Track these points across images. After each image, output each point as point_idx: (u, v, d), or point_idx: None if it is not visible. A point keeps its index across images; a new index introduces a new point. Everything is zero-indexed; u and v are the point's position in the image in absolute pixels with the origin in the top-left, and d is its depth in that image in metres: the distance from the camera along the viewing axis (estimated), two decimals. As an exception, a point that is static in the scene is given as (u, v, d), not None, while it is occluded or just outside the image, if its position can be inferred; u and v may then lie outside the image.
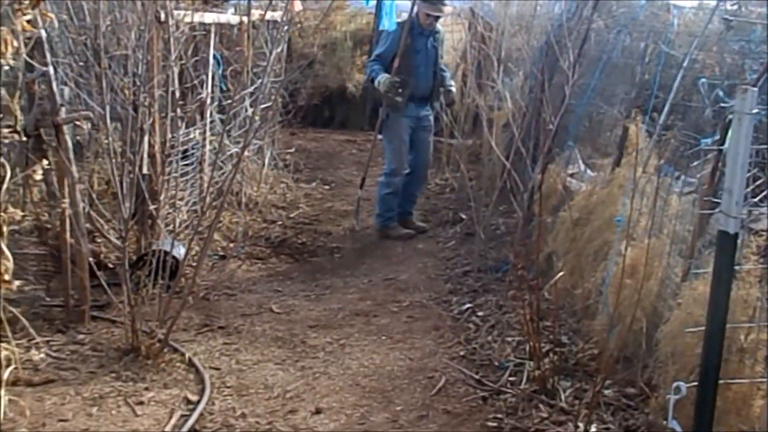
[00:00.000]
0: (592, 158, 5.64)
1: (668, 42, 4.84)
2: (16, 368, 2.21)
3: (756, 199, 2.90)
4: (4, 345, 2.10)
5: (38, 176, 2.24)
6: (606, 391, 3.77)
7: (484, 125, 6.70)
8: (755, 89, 2.38)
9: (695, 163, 4.08)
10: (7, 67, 2.12)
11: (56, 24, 4.96)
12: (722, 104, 3.66)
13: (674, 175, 4.31)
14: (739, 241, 3.10)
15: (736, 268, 2.28)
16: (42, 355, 3.66)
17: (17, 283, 2.16)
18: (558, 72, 5.70)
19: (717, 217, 2.23)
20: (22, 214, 2.04)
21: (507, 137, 6.42)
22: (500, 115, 6.82)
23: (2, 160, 2.03)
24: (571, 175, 5.57)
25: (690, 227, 3.69)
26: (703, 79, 5.16)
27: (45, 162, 2.44)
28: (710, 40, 4.80)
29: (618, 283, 3.58)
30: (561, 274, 4.22)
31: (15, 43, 2.04)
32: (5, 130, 2.10)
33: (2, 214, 2.06)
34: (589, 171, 5.53)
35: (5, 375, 2.12)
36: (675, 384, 2.24)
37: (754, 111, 2.31)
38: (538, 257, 4.26)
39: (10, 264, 2.12)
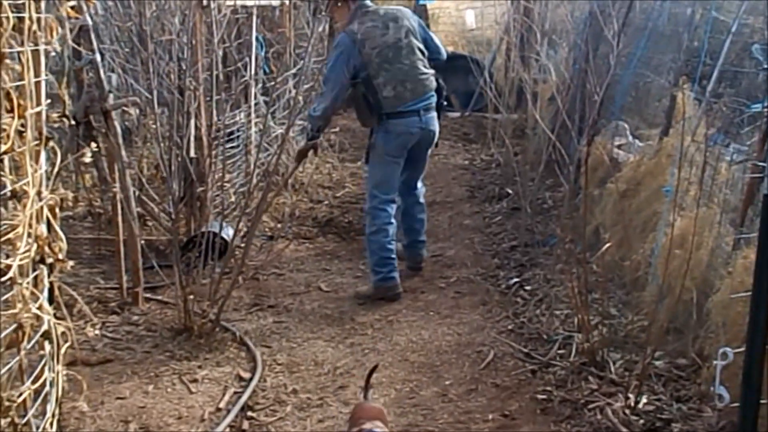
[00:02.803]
0: (639, 129, 5.56)
1: (717, 7, 4.73)
2: (72, 346, 2.28)
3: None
4: (59, 323, 2.17)
5: (87, 159, 2.30)
6: (657, 363, 3.74)
7: (529, 99, 6.64)
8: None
9: (745, 130, 4.00)
10: (54, 54, 2.18)
11: (101, 11, 5.06)
12: (764, 68, 3.57)
13: (724, 143, 4.24)
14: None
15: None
16: (96, 332, 3.75)
17: (71, 263, 2.22)
18: (603, 42, 5.61)
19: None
20: (72, 195, 2.09)
21: (552, 110, 6.35)
22: (545, 89, 6.76)
23: (53, 144, 2.09)
24: (619, 147, 5.51)
25: (741, 196, 3.62)
26: (756, 45, 5.04)
27: (93, 145, 2.49)
28: (761, 4, 4.68)
29: (667, 253, 3.55)
30: (608, 245, 4.18)
31: (60, 30, 2.09)
32: (55, 115, 2.16)
33: (55, 195, 2.12)
34: (637, 141, 5.46)
35: (62, 351, 2.19)
36: (721, 350, 2.22)
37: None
38: (585, 230, 4.22)
39: (64, 244, 2.19)
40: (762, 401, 2.28)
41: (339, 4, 5.11)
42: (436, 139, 5.27)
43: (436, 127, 5.18)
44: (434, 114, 5.13)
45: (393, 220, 5.13)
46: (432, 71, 5.13)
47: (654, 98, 5.56)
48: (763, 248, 2.18)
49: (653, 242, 4.21)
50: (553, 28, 7.38)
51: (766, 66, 3.59)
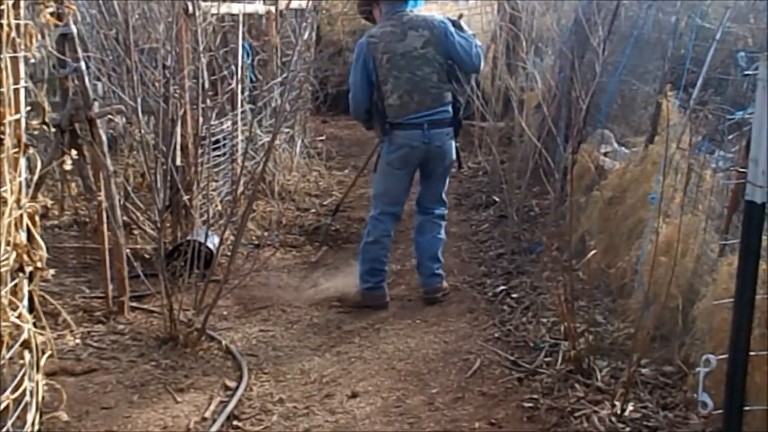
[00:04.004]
0: (625, 136, 5.58)
1: (701, 14, 4.76)
2: (53, 356, 2.26)
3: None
4: (39, 332, 2.15)
5: (68, 166, 2.28)
6: (643, 370, 3.73)
7: (515, 107, 6.65)
8: (780, 56, 2.33)
9: (730, 137, 4.02)
10: (33, 61, 2.16)
11: (87, 19, 5.04)
12: (746, 73, 3.59)
13: (709, 150, 4.26)
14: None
15: (764, 237, 2.24)
16: (77, 341, 3.72)
17: (52, 271, 2.20)
18: (589, 50, 5.63)
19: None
20: (57, 204, 2.08)
21: (538, 118, 6.37)
22: (531, 96, 6.77)
23: (33, 151, 2.07)
24: (605, 154, 5.52)
25: (726, 203, 3.63)
26: (741, 53, 5.08)
27: (74, 152, 2.47)
28: (744, 11, 4.72)
29: (652, 261, 3.55)
30: (594, 252, 4.19)
31: (40, 37, 2.08)
32: (35, 123, 2.14)
33: (35, 203, 2.10)
34: (623, 149, 5.47)
35: (42, 361, 2.17)
36: (704, 357, 2.22)
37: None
38: (571, 237, 4.23)
39: (44, 252, 2.17)
40: (746, 407, 2.29)
41: (370, 7, 5.12)
42: (448, 158, 5.00)
43: (446, 144, 4.93)
44: (444, 130, 4.91)
45: (391, 233, 5.06)
46: (450, 86, 4.96)
47: (640, 106, 5.58)
48: (745, 254, 2.18)
49: (639, 249, 4.21)
50: (540, 36, 7.40)
51: (748, 72, 3.60)
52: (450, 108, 4.96)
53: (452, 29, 4.98)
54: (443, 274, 5.14)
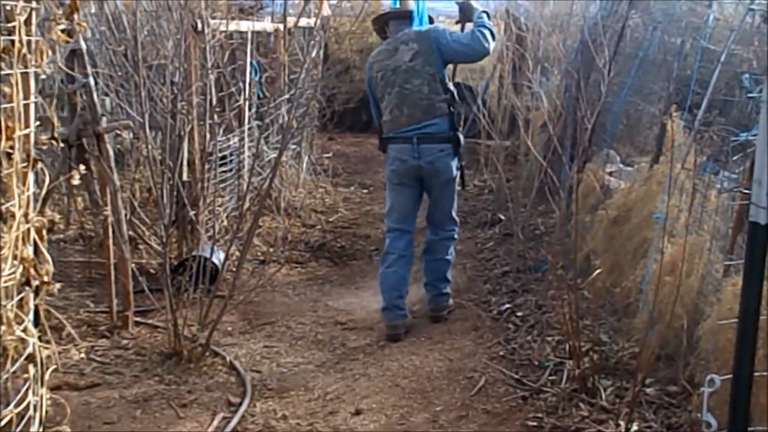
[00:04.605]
0: (630, 156, 5.59)
1: (706, 36, 4.78)
2: (57, 370, 2.26)
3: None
4: (44, 345, 2.16)
5: (76, 181, 2.29)
6: (647, 390, 3.72)
7: (521, 126, 6.67)
8: (782, 77, 2.34)
9: (735, 158, 4.03)
10: (44, 77, 2.19)
11: (96, 35, 5.08)
12: (749, 95, 3.60)
13: (714, 171, 4.26)
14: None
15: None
16: (82, 355, 3.73)
17: (58, 285, 2.21)
18: (594, 70, 5.66)
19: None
20: (64, 218, 2.09)
21: (544, 137, 6.39)
22: (537, 116, 6.79)
23: (41, 166, 2.09)
24: (610, 174, 5.53)
25: (731, 223, 3.63)
26: (746, 74, 5.09)
27: (82, 167, 2.49)
28: (749, 34, 4.74)
29: (657, 280, 3.55)
30: (599, 271, 4.19)
31: (50, 53, 2.10)
32: (44, 138, 2.17)
33: (42, 218, 2.12)
34: (627, 168, 5.48)
35: (47, 375, 2.18)
36: (708, 377, 2.22)
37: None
38: (576, 256, 4.23)
39: (51, 266, 2.18)
40: (750, 428, 2.28)
41: (383, 27, 5.14)
42: (443, 175, 4.81)
43: (439, 161, 4.76)
44: (438, 146, 4.74)
45: (395, 250, 4.92)
46: (444, 96, 4.78)
47: (645, 126, 5.60)
48: (748, 274, 2.19)
49: (644, 269, 4.21)
50: (546, 56, 7.44)
51: (752, 94, 3.61)
52: (445, 121, 4.78)
53: (448, 35, 4.87)
54: (450, 293, 5.11)
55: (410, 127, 4.78)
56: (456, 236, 5.14)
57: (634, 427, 3.46)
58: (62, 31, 2.14)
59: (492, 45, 4.90)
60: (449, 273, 5.11)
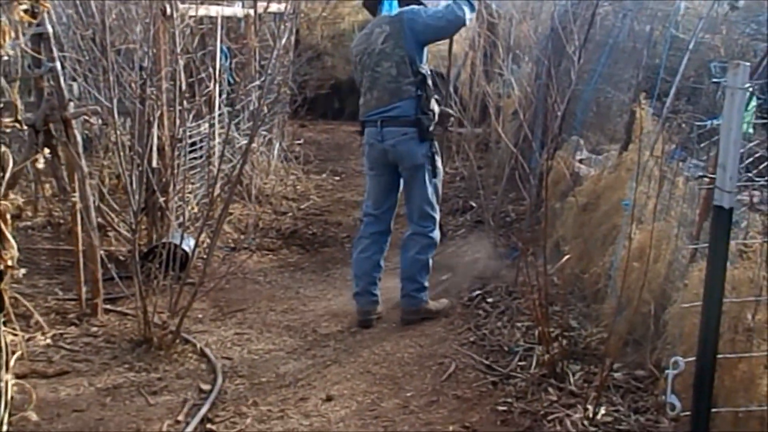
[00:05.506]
0: (600, 143, 5.63)
1: (675, 24, 4.82)
2: (22, 356, 2.24)
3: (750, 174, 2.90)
4: (8, 331, 2.13)
5: (40, 164, 2.25)
6: (615, 374, 3.77)
7: (492, 113, 6.69)
8: (747, 64, 2.38)
9: (702, 145, 4.07)
10: (6, 59, 2.14)
11: (63, 19, 5.00)
12: (714, 81, 3.65)
13: (682, 158, 4.31)
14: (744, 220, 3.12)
15: (732, 243, 2.28)
16: (48, 341, 3.69)
17: (23, 270, 2.19)
18: (565, 58, 5.69)
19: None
20: (24, 202, 2.06)
21: (515, 125, 6.42)
22: (508, 103, 6.82)
23: (5, 149, 2.06)
24: (580, 161, 5.57)
25: (698, 209, 3.68)
26: (715, 63, 5.15)
27: (47, 151, 2.45)
28: (717, 22, 4.78)
29: (625, 266, 3.59)
30: (568, 257, 4.23)
31: (13, 34, 2.06)
32: (7, 120, 2.13)
33: (6, 202, 2.09)
34: (597, 156, 5.52)
35: (12, 362, 2.15)
36: (673, 359, 2.25)
37: (746, 86, 2.31)
38: (546, 243, 4.26)
39: (15, 251, 2.15)
40: (713, 409, 2.32)
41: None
42: (408, 160, 4.65)
43: (402, 144, 4.62)
44: (401, 129, 4.60)
45: (366, 236, 4.86)
46: (412, 78, 4.60)
47: (614, 113, 5.64)
48: (713, 258, 2.22)
49: (612, 255, 4.25)
50: (517, 43, 7.46)
51: (716, 80, 3.66)
52: (411, 104, 4.62)
53: (423, 13, 4.70)
54: (423, 298, 4.80)
55: (378, 110, 4.69)
56: (432, 236, 4.82)
57: (602, 410, 3.50)
58: (25, 11, 2.10)
59: (469, 14, 4.72)
60: (423, 276, 4.80)
